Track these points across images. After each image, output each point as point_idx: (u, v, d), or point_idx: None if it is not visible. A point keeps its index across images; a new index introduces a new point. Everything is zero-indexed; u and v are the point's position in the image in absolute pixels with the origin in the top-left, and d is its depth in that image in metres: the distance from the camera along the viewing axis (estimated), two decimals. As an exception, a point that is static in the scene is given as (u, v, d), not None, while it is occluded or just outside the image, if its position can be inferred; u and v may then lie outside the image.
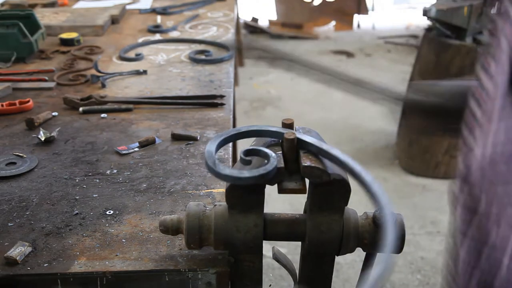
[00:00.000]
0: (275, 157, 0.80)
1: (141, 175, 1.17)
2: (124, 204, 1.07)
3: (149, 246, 0.94)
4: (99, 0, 2.80)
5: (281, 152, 0.84)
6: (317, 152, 0.82)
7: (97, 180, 1.15)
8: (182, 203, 1.07)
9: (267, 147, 0.86)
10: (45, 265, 0.89)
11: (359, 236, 0.88)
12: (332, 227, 0.86)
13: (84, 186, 1.13)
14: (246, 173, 0.78)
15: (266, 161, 0.80)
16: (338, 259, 2.58)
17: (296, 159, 0.83)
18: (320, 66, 0.92)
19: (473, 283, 0.57)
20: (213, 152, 0.82)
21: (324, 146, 0.82)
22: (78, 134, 1.36)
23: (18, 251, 0.90)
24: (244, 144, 0.89)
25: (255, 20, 6.71)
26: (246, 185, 0.80)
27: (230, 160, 1.21)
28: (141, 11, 2.62)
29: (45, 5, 2.66)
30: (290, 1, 6.56)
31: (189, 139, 1.32)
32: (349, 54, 5.74)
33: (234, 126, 1.59)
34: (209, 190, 1.11)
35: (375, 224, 0.88)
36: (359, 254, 1.12)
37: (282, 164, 0.81)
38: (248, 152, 0.83)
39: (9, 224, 1.00)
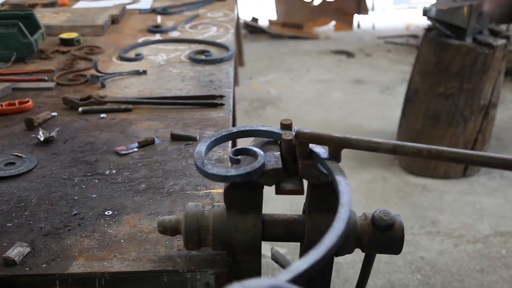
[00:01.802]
0: (263, 156, 0.80)
1: (140, 176, 1.17)
2: (123, 204, 1.07)
3: (148, 246, 0.94)
4: (99, 0, 2.80)
5: (279, 153, 0.84)
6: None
7: (96, 181, 1.15)
8: (181, 203, 1.06)
9: (262, 146, 0.86)
10: (44, 265, 0.89)
11: (358, 237, 0.88)
12: (331, 228, 0.86)
13: (83, 186, 1.13)
14: (233, 171, 0.78)
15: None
16: (338, 259, 2.58)
17: (294, 160, 0.83)
18: None
19: None
20: (202, 153, 0.83)
21: (316, 149, 0.82)
22: (78, 134, 1.36)
23: (16, 251, 0.90)
24: (245, 145, 0.88)
25: (255, 20, 6.70)
26: (238, 184, 0.81)
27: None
28: (141, 11, 2.62)
29: (45, 5, 2.66)
30: (290, 1, 6.56)
31: (188, 139, 1.32)
32: (349, 54, 5.74)
33: (234, 126, 1.59)
34: (208, 191, 1.10)
35: (374, 225, 0.87)
36: (359, 254, 1.12)
37: (280, 165, 0.81)
38: (237, 152, 0.84)
39: (8, 225, 1.00)
